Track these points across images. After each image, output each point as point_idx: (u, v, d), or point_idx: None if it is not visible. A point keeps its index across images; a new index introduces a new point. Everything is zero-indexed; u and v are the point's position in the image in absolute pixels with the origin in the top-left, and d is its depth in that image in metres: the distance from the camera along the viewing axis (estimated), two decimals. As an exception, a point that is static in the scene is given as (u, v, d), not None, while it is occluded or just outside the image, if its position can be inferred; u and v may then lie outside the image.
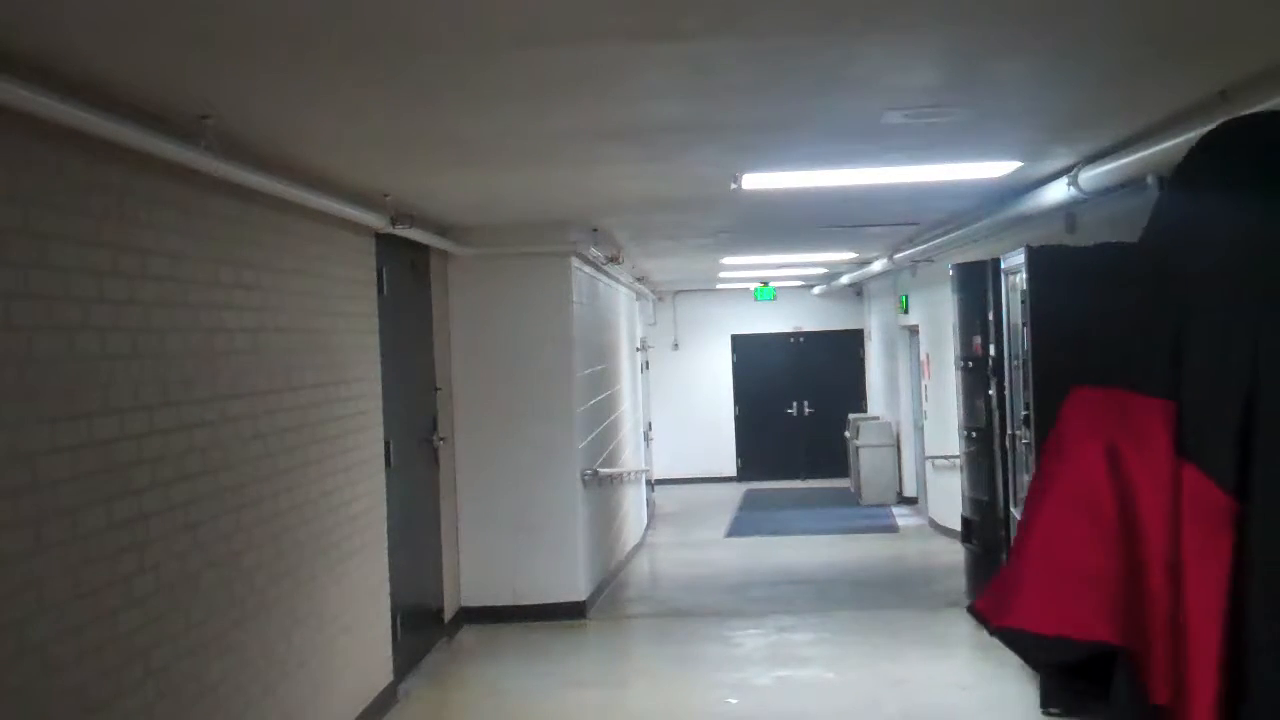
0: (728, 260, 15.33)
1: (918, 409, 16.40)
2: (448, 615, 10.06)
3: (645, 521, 16.52)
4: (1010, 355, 8.79)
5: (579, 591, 10.69)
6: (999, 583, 2.70)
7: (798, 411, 21.97)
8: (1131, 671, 2.49)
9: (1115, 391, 2.61)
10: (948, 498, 13.37)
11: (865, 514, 17.24)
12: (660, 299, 21.24)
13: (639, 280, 16.80)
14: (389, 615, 8.31)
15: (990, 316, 9.39)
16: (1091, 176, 7.05)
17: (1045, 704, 7.31)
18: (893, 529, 16.03)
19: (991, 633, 2.71)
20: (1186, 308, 2.60)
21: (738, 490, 20.58)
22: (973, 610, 2.78)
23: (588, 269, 11.73)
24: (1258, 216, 2.60)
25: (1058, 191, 7.66)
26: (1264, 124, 2.81)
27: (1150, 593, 2.50)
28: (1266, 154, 2.67)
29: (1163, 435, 2.53)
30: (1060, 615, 2.55)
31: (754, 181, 7.89)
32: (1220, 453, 2.46)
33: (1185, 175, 2.80)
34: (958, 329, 10.27)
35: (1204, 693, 2.45)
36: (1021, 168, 7.69)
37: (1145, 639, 2.49)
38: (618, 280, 14.46)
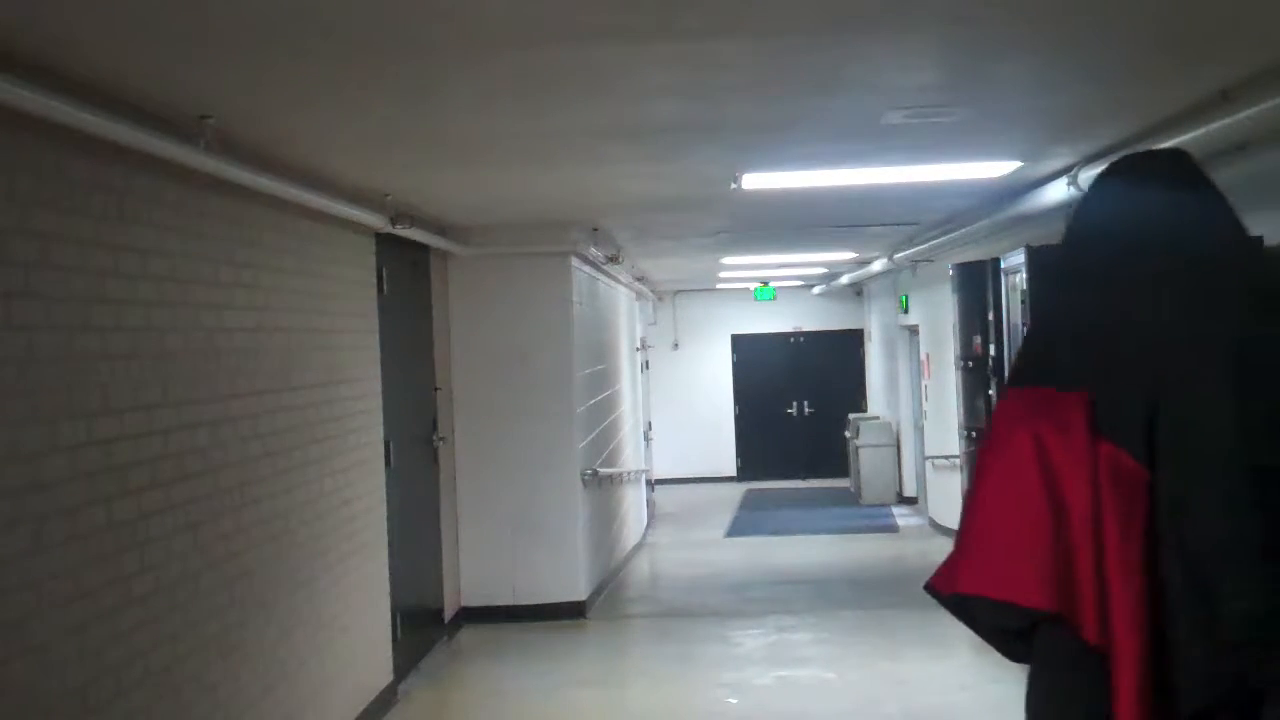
0: (728, 260, 15.33)
1: (918, 409, 16.40)
2: (448, 615, 10.06)
3: (645, 521, 16.52)
4: (1010, 355, 8.79)
5: (579, 591, 10.69)
6: (948, 562, 2.99)
7: (798, 411, 21.96)
8: (1065, 621, 2.80)
9: (1040, 390, 2.95)
10: (948, 498, 13.37)
11: (865, 514, 17.24)
12: (660, 299, 21.23)
13: (639, 280, 16.79)
14: (389, 615, 8.31)
15: (990, 316, 9.39)
16: (1091, 176, 7.03)
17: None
18: (893, 529, 16.03)
19: (942, 602, 2.99)
20: (1104, 310, 2.94)
21: (738, 490, 20.58)
22: (928, 588, 3.05)
23: (587, 269, 11.73)
24: (1161, 234, 2.94)
25: (1058, 191, 7.66)
26: (1169, 156, 3.12)
27: (1078, 561, 2.80)
28: (1169, 180, 2.99)
29: (1080, 420, 2.85)
30: (1004, 583, 2.84)
31: (754, 181, 7.89)
32: (1131, 437, 2.81)
33: (1100, 192, 3.13)
34: (958, 329, 10.28)
35: (1132, 630, 2.74)
36: (1021, 168, 7.69)
37: (1075, 602, 2.80)
38: (618, 280, 14.46)
